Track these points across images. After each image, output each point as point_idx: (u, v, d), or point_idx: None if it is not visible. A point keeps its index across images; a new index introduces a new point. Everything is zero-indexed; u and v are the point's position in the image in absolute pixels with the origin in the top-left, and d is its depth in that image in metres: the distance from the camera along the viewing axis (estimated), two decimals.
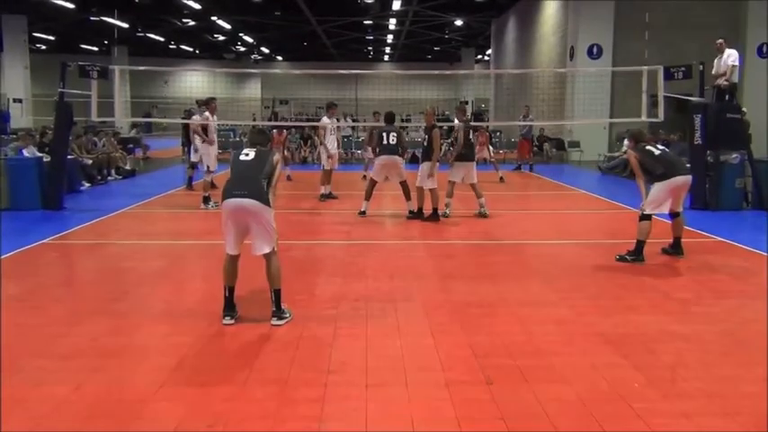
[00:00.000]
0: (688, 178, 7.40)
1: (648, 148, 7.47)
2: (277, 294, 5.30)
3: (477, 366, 4.33)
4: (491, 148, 21.78)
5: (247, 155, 5.39)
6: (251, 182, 5.21)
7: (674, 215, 7.50)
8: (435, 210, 10.01)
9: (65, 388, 3.99)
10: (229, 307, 5.31)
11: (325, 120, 12.71)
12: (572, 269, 7.19)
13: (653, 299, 6.02)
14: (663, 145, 15.59)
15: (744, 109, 12.29)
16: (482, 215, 10.27)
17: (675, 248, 7.57)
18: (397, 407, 3.75)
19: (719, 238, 8.65)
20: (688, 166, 11.86)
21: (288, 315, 5.33)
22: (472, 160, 10.44)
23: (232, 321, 5.25)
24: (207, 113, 11.80)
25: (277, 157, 5.51)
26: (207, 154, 11.71)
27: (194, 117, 12.74)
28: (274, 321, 5.24)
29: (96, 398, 3.88)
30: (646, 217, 7.27)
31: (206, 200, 11.25)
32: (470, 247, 8.63)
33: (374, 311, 5.55)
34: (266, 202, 5.20)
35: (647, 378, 4.14)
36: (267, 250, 5.25)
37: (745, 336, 5.03)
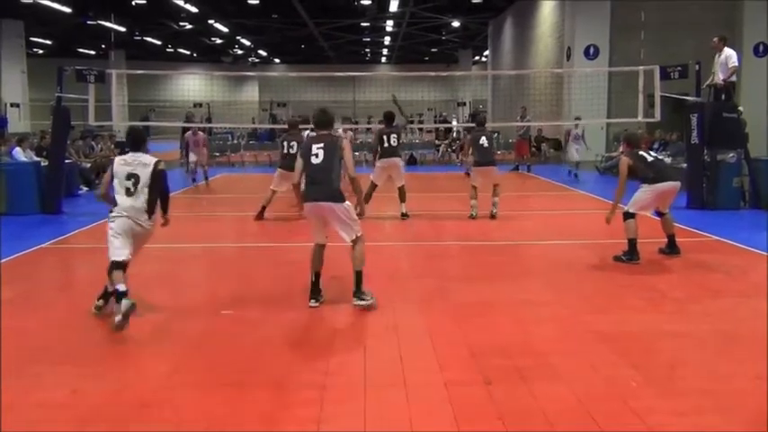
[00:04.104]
0: (676, 185, 7.49)
1: (642, 153, 7.57)
2: (358, 276, 5.62)
3: (475, 367, 4.35)
4: None
5: (317, 156, 5.55)
6: (324, 184, 5.54)
7: (660, 214, 7.61)
8: None
9: (62, 392, 4.00)
10: (315, 291, 5.65)
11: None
12: (569, 269, 7.20)
13: (650, 298, 6.03)
14: (661, 144, 15.62)
15: (740, 108, 12.32)
16: (492, 216, 10.25)
17: (671, 247, 7.59)
18: (396, 408, 3.76)
19: (716, 237, 8.67)
20: (684, 165, 11.94)
21: (369, 298, 5.58)
22: (489, 165, 10.36)
23: (317, 304, 5.60)
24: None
25: (344, 143, 5.73)
26: None
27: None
28: (355, 302, 5.58)
29: (93, 401, 3.89)
30: (630, 215, 7.34)
31: None
32: (468, 247, 8.64)
33: (372, 312, 5.56)
34: (340, 200, 5.57)
35: (645, 377, 4.16)
36: (352, 238, 5.63)
37: (741, 334, 5.04)
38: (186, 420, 3.65)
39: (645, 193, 7.35)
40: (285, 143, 10.45)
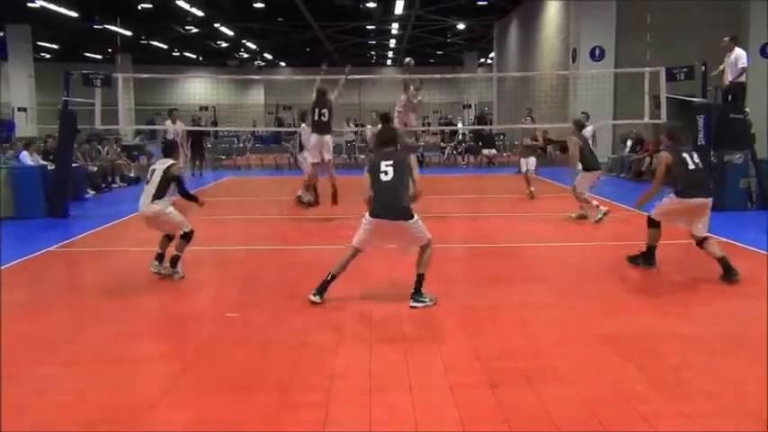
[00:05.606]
0: (705, 201, 6.66)
1: (684, 156, 6.67)
2: (420, 278, 5.74)
3: (480, 370, 4.34)
4: (493, 150, 21.93)
5: (386, 173, 5.66)
6: (395, 204, 5.66)
7: (699, 243, 6.62)
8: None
9: (68, 395, 4.02)
10: (323, 289, 5.73)
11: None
12: (575, 272, 7.20)
13: (656, 300, 6.02)
14: None
15: (747, 109, 12.28)
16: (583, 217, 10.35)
17: (727, 272, 6.42)
18: (401, 411, 3.76)
19: (723, 239, 8.61)
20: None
21: (427, 300, 5.72)
22: (592, 169, 10.41)
23: (320, 301, 5.68)
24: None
25: (412, 159, 5.86)
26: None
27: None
28: (412, 303, 5.68)
29: (100, 405, 3.90)
30: (654, 224, 6.82)
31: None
32: (473, 250, 8.64)
33: (377, 316, 5.56)
34: (410, 217, 5.69)
35: (651, 380, 4.14)
36: (422, 244, 5.78)
37: (748, 336, 5.02)
38: (192, 422, 3.66)
39: (672, 204, 6.67)
40: (317, 110, 10.37)
